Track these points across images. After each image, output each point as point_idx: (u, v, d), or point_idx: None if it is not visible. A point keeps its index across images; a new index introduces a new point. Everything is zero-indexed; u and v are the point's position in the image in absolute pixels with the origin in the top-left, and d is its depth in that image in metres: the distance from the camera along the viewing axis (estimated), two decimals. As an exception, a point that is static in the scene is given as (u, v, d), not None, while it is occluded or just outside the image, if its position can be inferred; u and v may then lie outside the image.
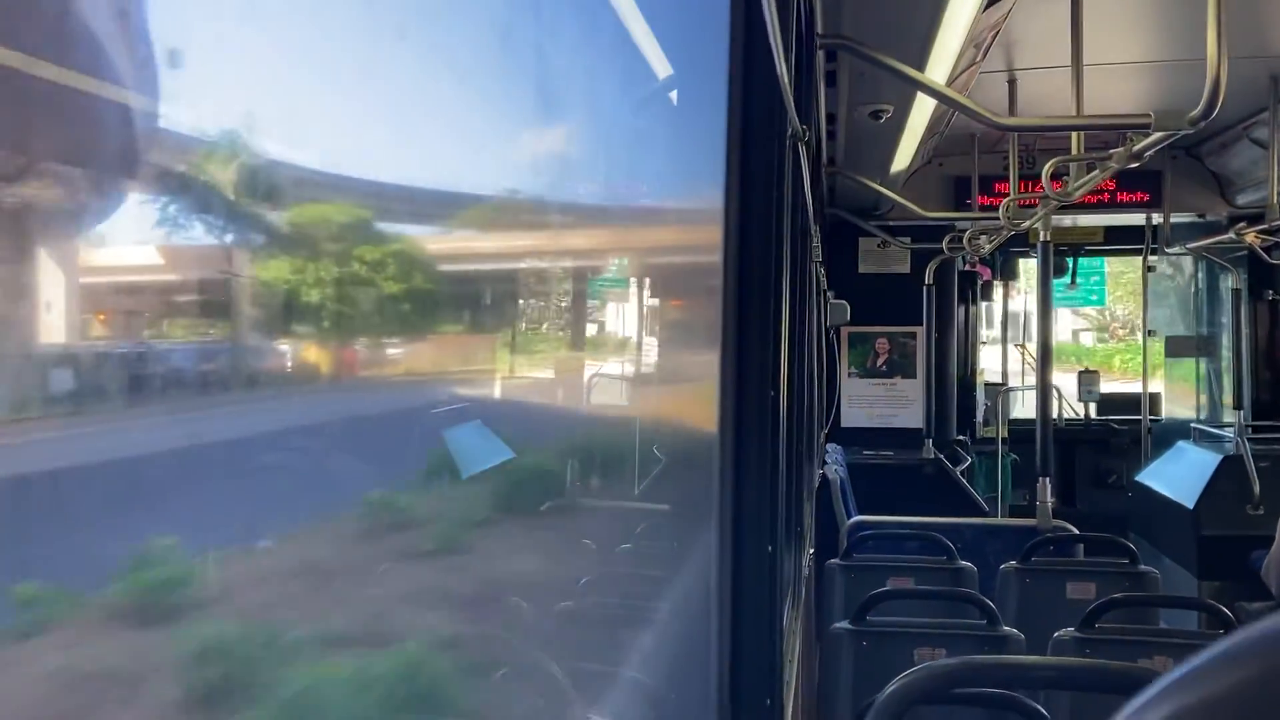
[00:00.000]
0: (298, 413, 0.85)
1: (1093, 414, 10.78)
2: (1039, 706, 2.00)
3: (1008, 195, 5.88)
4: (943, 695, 1.71)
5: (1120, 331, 25.16)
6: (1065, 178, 4.98)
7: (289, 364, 0.83)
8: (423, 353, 1.05)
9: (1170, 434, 9.08)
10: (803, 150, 2.02)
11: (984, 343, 11.82)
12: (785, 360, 1.92)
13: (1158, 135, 3.63)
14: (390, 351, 1.00)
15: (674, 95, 2.63)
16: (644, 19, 2.61)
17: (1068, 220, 8.76)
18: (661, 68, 2.74)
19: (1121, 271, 16.51)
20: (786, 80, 1.42)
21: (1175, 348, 10.67)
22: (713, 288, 1.63)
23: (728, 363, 1.62)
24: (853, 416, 8.00)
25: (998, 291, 11.04)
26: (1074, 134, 4.81)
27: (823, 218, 5.43)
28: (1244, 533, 6.68)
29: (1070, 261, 9.94)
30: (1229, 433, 7.57)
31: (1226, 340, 9.32)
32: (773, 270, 1.68)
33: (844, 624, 4.09)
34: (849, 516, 6.42)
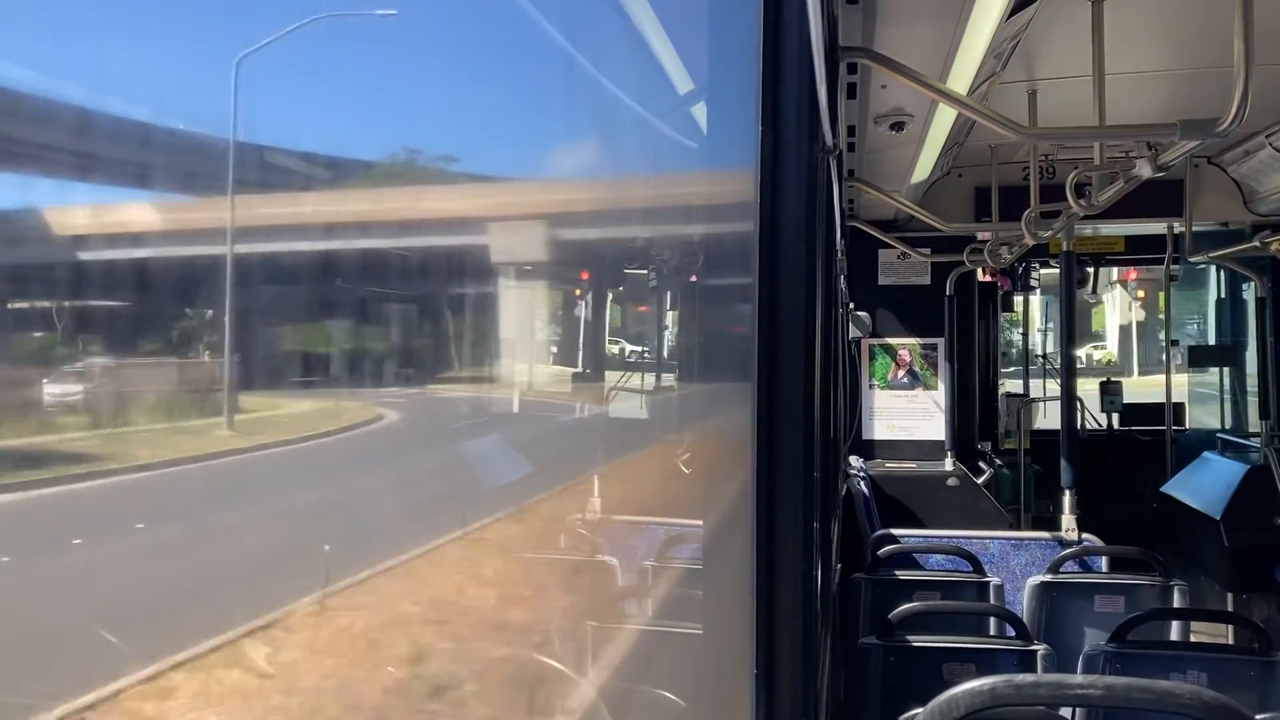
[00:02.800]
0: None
1: (1115, 425, 10.71)
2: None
3: (1028, 207, 5.84)
4: (985, 713, 1.69)
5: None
6: (1088, 188, 4.94)
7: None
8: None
9: (1195, 445, 9.00)
10: (831, 163, 2.01)
11: (1004, 352, 11.74)
12: (817, 374, 1.90)
13: (1183, 145, 3.59)
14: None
15: (699, 110, 2.62)
16: (665, 30, 2.61)
17: (1088, 229, 8.71)
18: (682, 80, 2.73)
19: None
20: (822, 93, 1.41)
21: (1199, 357, 10.59)
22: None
23: (762, 376, 1.60)
24: (874, 428, 7.96)
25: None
26: (1095, 144, 4.77)
27: (844, 230, 5.42)
28: (1272, 544, 6.60)
29: (1092, 271, 9.89)
30: (1255, 443, 7.50)
31: (1252, 349, 9.24)
32: (804, 285, 1.67)
33: (872, 639, 4.06)
34: (872, 529, 6.38)
